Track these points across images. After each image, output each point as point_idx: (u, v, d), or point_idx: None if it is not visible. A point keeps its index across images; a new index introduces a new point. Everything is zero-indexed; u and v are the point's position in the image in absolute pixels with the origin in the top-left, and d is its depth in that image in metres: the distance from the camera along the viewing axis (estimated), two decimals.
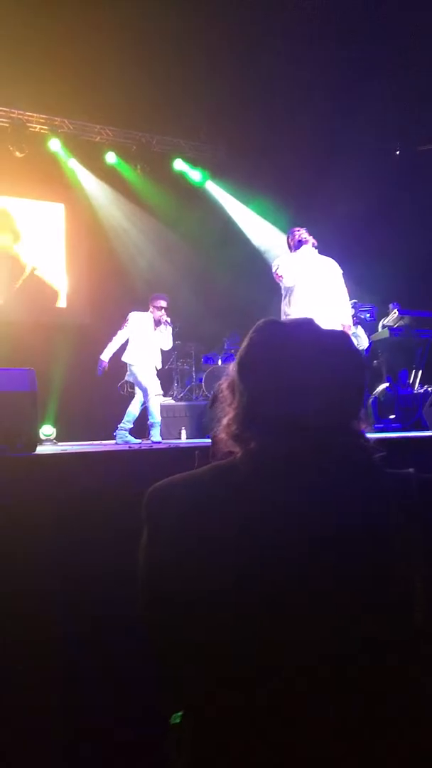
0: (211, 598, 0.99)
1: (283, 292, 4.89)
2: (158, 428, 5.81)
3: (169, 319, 5.90)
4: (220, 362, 8.28)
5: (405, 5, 6.62)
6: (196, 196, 9.25)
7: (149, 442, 5.66)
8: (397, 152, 9.03)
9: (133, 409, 5.87)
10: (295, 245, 4.87)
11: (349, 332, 5.08)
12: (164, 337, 5.94)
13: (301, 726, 0.96)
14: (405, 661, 0.98)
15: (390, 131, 8.59)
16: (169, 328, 5.94)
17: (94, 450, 4.22)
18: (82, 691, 2.23)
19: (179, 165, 9.11)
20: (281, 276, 4.76)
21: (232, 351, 8.49)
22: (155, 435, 5.78)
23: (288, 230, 5.12)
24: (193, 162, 9.20)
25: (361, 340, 6.67)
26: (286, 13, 6.75)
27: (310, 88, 7.37)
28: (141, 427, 6.18)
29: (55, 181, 8.56)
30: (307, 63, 7.15)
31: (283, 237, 8.52)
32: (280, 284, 4.82)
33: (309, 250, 4.84)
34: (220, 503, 1.02)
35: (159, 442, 5.57)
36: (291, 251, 4.93)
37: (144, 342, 5.85)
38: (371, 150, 8.25)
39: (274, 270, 4.81)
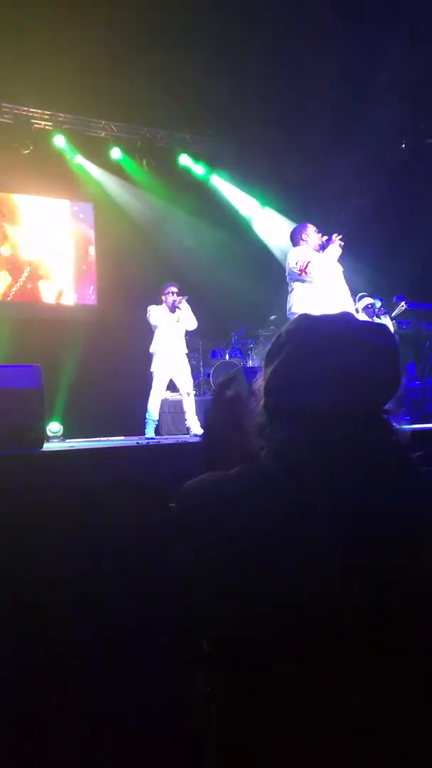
0: (246, 601, 0.96)
1: (292, 286, 4.82)
2: (151, 425, 5.86)
3: (180, 298, 5.94)
4: (227, 357, 8.27)
5: None
6: (202, 191, 9.22)
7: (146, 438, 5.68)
8: (403, 145, 8.97)
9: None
10: (322, 245, 4.81)
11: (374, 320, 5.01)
12: (185, 318, 5.97)
13: (336, 722, 0.94)
14: None
15: (397, 124, 8.52)
16: (186, 306, 5.96)
17: (101, 446, 4.23)
18: (94, 684, 2.24)
19: (185, 160, 9.08)
20: (309, 273, 4.66)
21: (240, 346, 8.48)
22: (147, 431, 5.83)
23: (301, 224, 5.03)
24: (199, 157, 9.17)
25: None
26: (292, 5, 6.71)
27: (316, 82, 7.32)
28: (137, 422, 6.21)
29: (60, 177, 8.55)
30: (313, 56, 7.10)
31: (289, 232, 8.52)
32: (301, 279, 4.72)
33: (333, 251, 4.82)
34: (252, 505, 0.98)
35: (152, 438, 5.59)
36: (317, 250, 4.82)
37: (164, 332, 5.93)
38: (378, 143, 8.19)
39: (302, 266, 4.67)
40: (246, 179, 9.20)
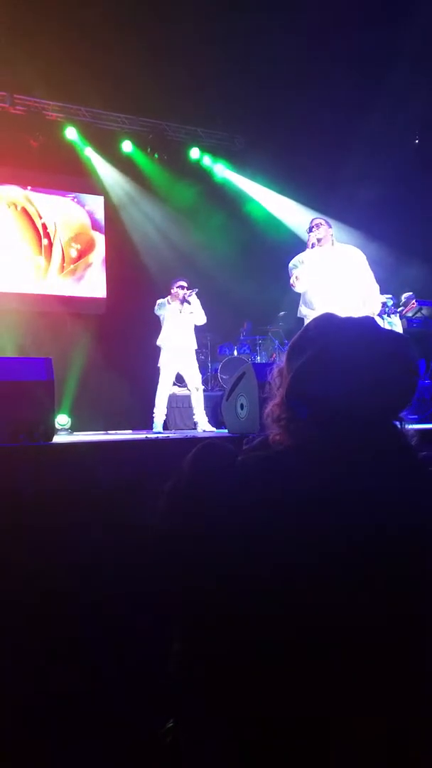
0: (245, 576, 0.99)
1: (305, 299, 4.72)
2: (158, 419, 5.85)
3: (190, 291, 5.91)
4: (236, 352, 8.26)
5: None
6: (212, 185, 9.20)
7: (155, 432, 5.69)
8: (417, 140, 8.90)
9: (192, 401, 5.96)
10: (308, 246, 4.66)
11: (386, 320, 4.87)
12: (195, 312, 5.95)
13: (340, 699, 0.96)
14: None
15: (410, 119, 8.46)
16: (196, 300, 5.94)
17: (111, 440, 4.24)
18: (98, 678, 2.24)
19: (196, 153, 9.06)
20: (293, 285, 4.61)
21: (248, 342, 8.47)
22: (155, 426, 5.83)
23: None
24: (211, 151, 9.14)
25: (396, 328, 6.61)
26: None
27: (328, 76, 7.28)
28: (145, 416, 6.21)
29: (71, 170, 8.54)
30: (326, 50, 7.05)
31: (300, 228, 8.48)
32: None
33: (321, 249, 4.62)
34: (264, 486, 1.03)
35: (160, 433, 5.59)
36: (312, 246, 4.67)
37: (171, 326, 5.91)
38: (391, 138, 8.13)
39: (291, 274, 4.65)
40: (257, 173, 9.16)
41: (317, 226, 4.63)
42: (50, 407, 3.32)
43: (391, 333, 1.15)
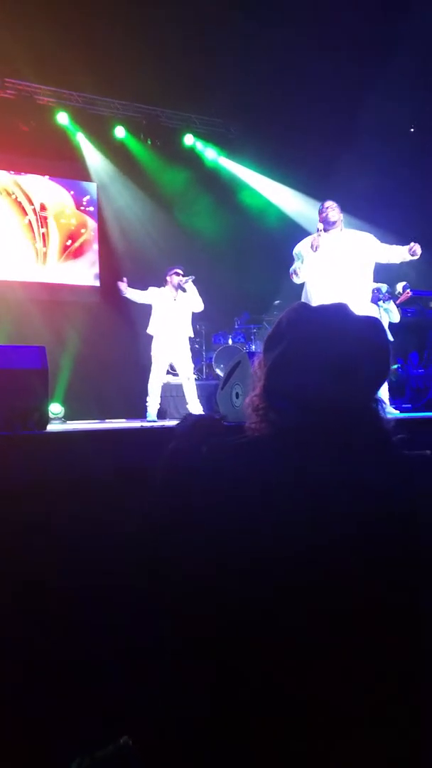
0: (222, 565, 1.03)
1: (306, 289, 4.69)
2: (152, 408, 5.81)
3: (186, 278, 5.84)
4: (230, 341, 8.23)
5: None
6: (206, 172, 9.13)
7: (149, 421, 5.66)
8: (412, 129, 8.86)
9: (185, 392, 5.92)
10: (318, 230, 4.52)
11: (381, 307, 4.85)
12: (191, 300, 5.87)
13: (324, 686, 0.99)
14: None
15: (406, 108, 8.41)
16: (193, 287, 5.86)
17: (105, 428, 4.22)
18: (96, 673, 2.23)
19: (190, 140, 8.97)
20: (291, 274, 4.59)
21: (243, 330, 8.44)
22: (149, 414, 5.80)
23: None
24: (205, 137, 9.06)
25: (392, 314, 6.58)
26: None
27: (324, 65, 7.22)
28: (138, 405, 6.18)
29: (63, 156, 8.45)
30: (322, 39, 6.99)
31: (297, 215, 8.43)
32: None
33: (329, 235, 4.49)
34: (243, 472, 1.07)
35: (154, 421, 5.57)
36: (322, 229, 4.52)
37: (162, 315, 5.83)
38: (386, 127, 8.09)
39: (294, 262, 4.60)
40: (252, 160, 9.09)
41: (330, 208, 4.50)
42: (44, 396, 3.30)
43: (362, 318, 1.17)
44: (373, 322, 1.17)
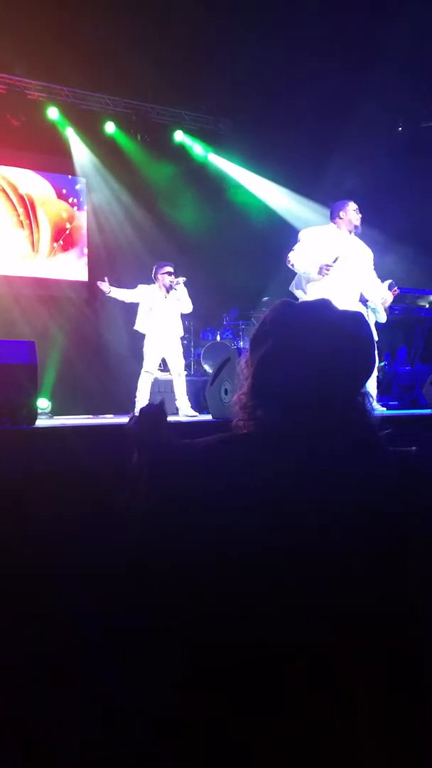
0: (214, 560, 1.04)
1: (301, 278, 4.60)
2: (141, 404, 5.79)
3: (178, 279, 5.81)
4: (218, 337, 8.25)
5: None
6: (196, 168, 9.12)
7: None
8: (400, 128, 8.90)
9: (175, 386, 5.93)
10: (350, 228, 4.47)
11: (369, 307, 4.89)
12: (181, 301, 5.86)
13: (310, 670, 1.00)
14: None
15: (394, 107, 8.46)
16: (183, 288, 5.84)
17: (94, 424, 4.23)
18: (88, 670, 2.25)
19: (180, 137, 8.97)
20: (289, 260, 4.42)
21: (231, 327, 8.46)
22: (137, 410, 5.78)
23: (343, 200, 4.60)
24: (195, 134, 9.05)
25: (379, 315, 6.61)
26: None
27: (314, 62, 7.24)
28: (124, 400, 6.17)
29: (53, 150, 8.42)
30: (312, 37, 7.00)
31: (286, 213, 8.43)
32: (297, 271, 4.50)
33: (341, 233, 4.46)
34: (226, 469, 1.09)
35: None
36: (350, 230, 4.49)
37: (152, 313, 5.83)
38: (375, 126, 8.13)
39: (290, 251, 4.44)
40: (242, 157, 9.10)
41: (359, 210, 4.47)
42: (33, 391, 3.30)
43: (346, 313, 1.18)
44: (356, 316, 1.18)
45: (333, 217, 4.55)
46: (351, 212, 4.47)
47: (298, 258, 4.34)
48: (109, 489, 2.61)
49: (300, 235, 4.51)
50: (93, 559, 2.46)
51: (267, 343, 1.14)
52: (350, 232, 4.48)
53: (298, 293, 4.62)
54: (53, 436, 3.12)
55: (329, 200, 4.83)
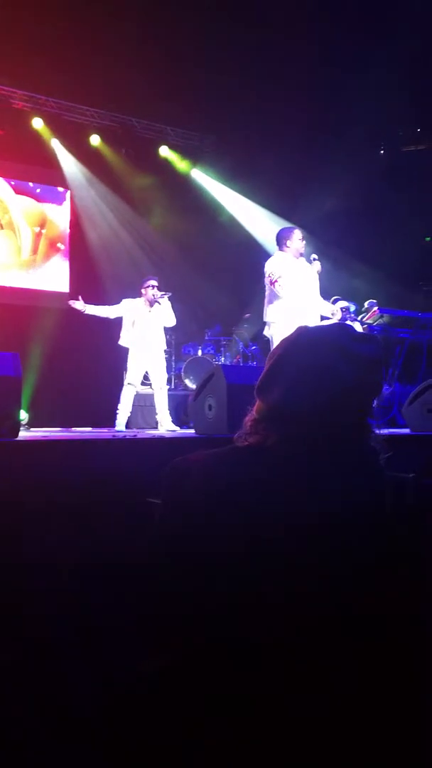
0: (227, 574, 1.05)
1: (270, 297, 4.84)
2: (122, 417, 5.78)
3: (162, 293, 5.83)
4: (200, 352, 8.26)
5: (398, 4, 6.67)
6: (180, 183, 9.18)
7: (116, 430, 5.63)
8: (381, 152, 9.09)
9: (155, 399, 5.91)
10: (294, 255, 4.86)
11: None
12: (165, 315, 5.88)
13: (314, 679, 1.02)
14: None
15: (376, 130, 8.63)
16: (168, 303, 5.87)
17: (78, 437, 4.20)
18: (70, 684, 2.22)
19: (165, 152, 9.03)
20: (276, 289, 4.72)
21: (213, 342, 8.49)
22: (118, 423, 5.76)
23: (288, 228, 5.06)
24: (179, 150, 9.12)
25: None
26: (277, 4, 6.74)
27: (297, 84, 7.36)
28: (102, 413, 6.13)
29: (37, 161, 8.41)
30: (296, 58, 7.13)
31: (269, 229, 8.53)
32: (274, 290, 4.76)
33: (295, 260, 4.87)
34: (241, 482, 1.10)
35: (120, 432, 5.53)
36: (296, 256, 4.87)
37: (137, 327, 5.83)
38: (357, 149, 8.28)
39: (273, 278, 4.72)
40: (225, 176, 9.19)
41: (303, 239, 4.89)
42: (17, 403, 3.27)
43: (363, 336, 1.20)
44: (370, 337, 1.21)
45: (281, 245, 4.90)
46: (296, 240, 4.85)
47: (285, 288, 4.72)
48: (97, 500, 2.60)
49: (277, 270, 4.76)
50: (80, 569, 2.44)
51: (281, 364, 1.18)
52: (296, 258, 4.86)
53: (274, 315, 4.84)
54: (38, 449, 3.09)
55: (308, 222, 5.05)
